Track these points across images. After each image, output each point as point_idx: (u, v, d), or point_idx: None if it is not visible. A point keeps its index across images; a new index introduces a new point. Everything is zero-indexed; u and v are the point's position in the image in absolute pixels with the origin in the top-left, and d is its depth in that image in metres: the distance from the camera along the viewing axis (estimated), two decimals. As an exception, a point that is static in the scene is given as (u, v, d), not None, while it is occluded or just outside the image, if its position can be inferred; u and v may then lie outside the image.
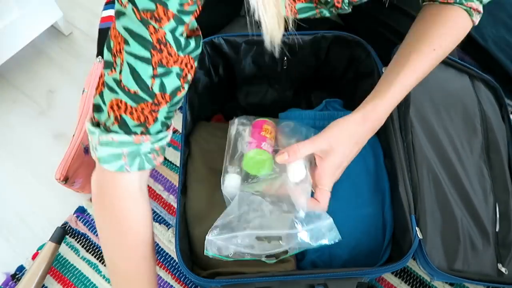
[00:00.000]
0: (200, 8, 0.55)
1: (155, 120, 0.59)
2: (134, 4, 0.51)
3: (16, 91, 1.12)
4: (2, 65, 1.08)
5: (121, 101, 0.56)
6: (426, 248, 0.70)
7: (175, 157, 1.02)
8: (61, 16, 1.13)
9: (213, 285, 0.69)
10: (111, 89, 0.56)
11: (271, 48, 0.59)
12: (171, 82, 0.57)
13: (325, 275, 0.68)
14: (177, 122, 1.06)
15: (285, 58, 0.90)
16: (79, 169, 0.86)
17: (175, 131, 1.05)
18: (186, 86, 0.60)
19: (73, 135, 0.87)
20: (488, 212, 0.82)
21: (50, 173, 0.84)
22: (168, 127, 0.62)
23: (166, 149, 0.64)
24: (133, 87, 0.55)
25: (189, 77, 0.60)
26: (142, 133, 0.58)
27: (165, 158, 1.02)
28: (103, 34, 1.02)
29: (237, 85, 0.95)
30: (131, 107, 0.57)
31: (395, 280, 0.89)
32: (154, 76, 0.55)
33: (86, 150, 0.87)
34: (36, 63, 1.16)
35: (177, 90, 0.58)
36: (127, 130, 0.58)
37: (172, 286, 0.89)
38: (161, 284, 0.89)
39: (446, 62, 0.89)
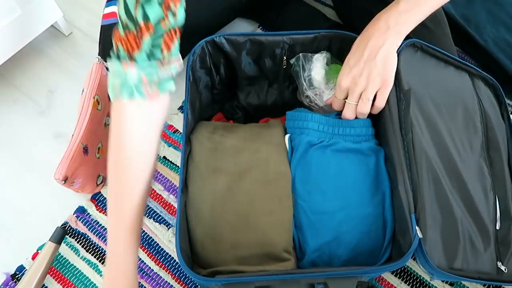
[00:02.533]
0: None
1: (140, 49, 0.65)
2: None
3: (16, 91, 1.12)
4: (2, 65, 1.08)
5: (117, 30, 0.65)
6: (426, 247, 0.70)
7: (175, 156, 1.02)
8: (61, 16, 1.13)
9: (213, 284, 0.69)
10: (118, 23, 0.66)
11: None
12: (153, 11, 0.63)
13: (325, 274, 0.68)
14: (178, 122, 1.06)
15: (285, 58, 0.90)
16: (78, 169, 0.86)
17: (175, 131, 1.05)
18: (170, 18, 0.64)
19: (72, 135, 0.87)
20: (489, 211, 0.82)
21: (50, 173, 0.84)
22: (158, 60, 0.66)
23: (162, 85, 0.68)
24: (124, 17, 0.64)
25: (173, 7, 0.64)
26: (129, 58, 0.65)
27: (164, 158, 1.02)
28: (106, 31, 1.02)
29: (238, 84, 0.95)
30: (121, 35, 0.65)
31: (395, 280, 0.89)
32: (136, 5, 0.62)
33: (86, 150, 0.87)
34: (36, 63, 1.16)
35: (160, 19, 0.63)
36: (118, 57, 0.66)
37: (172, 286, 0.89)
38: (161, 284, 0.89)
39: (446, 60, 0.89)
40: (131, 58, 0.65)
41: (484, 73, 0.95)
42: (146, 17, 0.63)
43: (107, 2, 1.04)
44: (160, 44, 0.65)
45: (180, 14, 0.65)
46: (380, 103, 0.78)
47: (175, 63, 0.69)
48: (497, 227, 0.82)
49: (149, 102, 0.68)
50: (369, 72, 0.76)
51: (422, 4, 0.77)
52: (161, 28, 0.64)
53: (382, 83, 0.77)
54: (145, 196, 0.72)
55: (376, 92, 0.78)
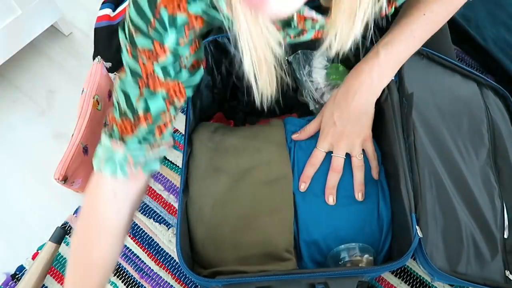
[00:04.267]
0: (197, 44, 0.64)
1: (134, 134, 0.64)
2: (131, 42, 0.59)
3: (16, 91, 1.12)
4: (2, 65, 1.08)
5: (113, 114, 0.65)
6: (426, 248, 0.70)
7: (175, 156, 1.02)
8: (61, 16, 1.13)
9: (214, 285, 0.69)
10: (114, 105, 0.65)
11: (262, 101, 0.64)
12: (156, 105, 0.63)
13: (326, 274, 0.68)
14: (179, 122, 1.06)
15: (286, 58, 0.90)
16: (78, 169, 0.86)
17: (175, 131, 1.05)
18: (172, 110, 0.65)
19: (72, 135, 0.87)
20: (496, 218, 0.81)
21: (50, 173, 0.84)
22: (148, 143, 0.66)
23: (147, 166, 0.67)
24: (123, 105, 0.63)
25: (177, 103, 0.65)
26: (120, 140, 0.64)
27: (165, 158, 1.02)
28: (99, 33, 1.03)
29: (239, 84, 0.95)
30: (116, 119, 0.64)
31: (395, 280, 0.89)
32: (139, 97, 0.62)
33: (85, 150, 0.87)
34: (36, 63, 1.16)
35: (161, 111, 0.64)
36: (111, 135, 0.65)
37: (172, 286, 0.89)
38: (161, 284, 0.89)
39: (452, 69, 0.89)
40: (123, 140, 0.64)
41: (494, 83, 0.95)
42: (147, 109, 0.62)
43: (102, 4, 1.05)
44: (154, 131, 0.65)
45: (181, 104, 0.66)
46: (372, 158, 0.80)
47: (165, 146, 0.68)
48: (505, 236, 0.82)
49: (130, 181, 0.67)
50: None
51: (400, 54, 0.76)
52: (160, 119, 0.64)
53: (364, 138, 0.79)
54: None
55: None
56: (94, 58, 1.03)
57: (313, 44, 0.88)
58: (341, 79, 0.86)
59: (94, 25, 1.05)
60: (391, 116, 0.79)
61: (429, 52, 0.85)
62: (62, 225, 0.95)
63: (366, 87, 0.76)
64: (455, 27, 1.04)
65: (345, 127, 0.77)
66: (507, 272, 0.79)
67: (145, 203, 0.97)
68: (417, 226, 0.70)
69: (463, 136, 0.84)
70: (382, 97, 0.80)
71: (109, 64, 1.01)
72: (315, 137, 0.82)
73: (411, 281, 0.89)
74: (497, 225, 0.81)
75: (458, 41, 0.99)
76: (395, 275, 0.90)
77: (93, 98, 0.89)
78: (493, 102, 0.93)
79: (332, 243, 0.77)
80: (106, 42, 1.02)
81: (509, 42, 1.10)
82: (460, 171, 0.80)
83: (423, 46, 0.84)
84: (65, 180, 0.84)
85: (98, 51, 1.04)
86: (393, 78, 0.81)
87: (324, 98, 0.86)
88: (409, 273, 0.90)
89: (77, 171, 0.86)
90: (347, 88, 0.77)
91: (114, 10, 1.05)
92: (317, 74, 0.86)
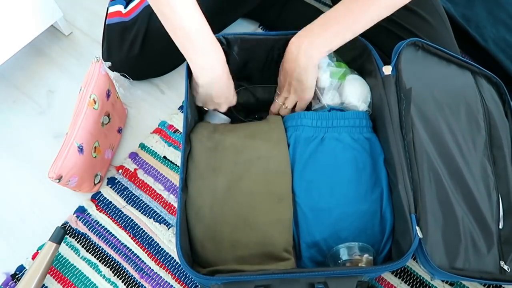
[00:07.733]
0: None
1: None
2: None
3: (16, 91, 1.12)
4: (2, 65, 1.08)
5: None
6: (426, 247, 0.70)
7: (175, 156, 1.02)
8: (61, 16, 1.13)
9: (214, 283, 0.69)
10: None
11: None
12: None
13: (325, 274, 0.68)
14: (178, 122, 1.06)
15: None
16: (73, 168, 0.86)
17: (175, 131, 1.05)
18: None
19: (67, 133, 0.87)
20: (492, 210, 0.81)
21: (50, 173, 0.84)
22: None
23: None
24: None
25: None
26: None
27: (165, 158, 1.02)
28: (111, 30, 1.02)
29: (237, 84, 0.95)
30: None
31: (395, 280, 0.89)
32: None
33: (81, 149, 0.87)
34: (36, 63, 1.16)
35: None
36: None
37: (172, 286, 0.89)
38: (161, 284, 0.89)
39: (448, 59, 0.89)
40: None
41: (487, 71, 0.95)
42: None
43: (110, 1, 1.04)
44: None
45: None
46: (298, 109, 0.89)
47: None
48: (500, 226, 0.82)
49: None
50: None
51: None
52: None
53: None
54: None
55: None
56: (103, 55, 1.03)
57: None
58: (344, 78, 0.86)
59: (97, 26, 1.04)
60: (387, 113, 0.79)
61: (424, 43, 0.85)
62: (62, 225, 0.95)
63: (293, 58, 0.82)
64: (455, 27, 1.04)
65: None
66: (502, 263, 0.79)
67: (145, 203, 0.97)
68: (417, 227, 0.70)
69: (462, 127, 0.84)
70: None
71: (109, 64, 1.00)
72: (314, 136, 0.82)
73: (411, 281, 0.89)
74: (493, 217, 0.81)
75: (458, 41, 0.99)
76: (395, 275, 0.90)
77: (90, 97, 0.88)
78: (487, 91, 0.93)
79: (333, 244, 0.77)
80: (118, 40, 1.01)
81: (509, 42, 1.10)
82: (457, 166, 0.80)
83: (419, 36, 0.85)
84: (59, 178, 0.84)
85: (110, 48, 1.03)
86: (391, 73, 0.81)
87: (326, 97, 0.86)
88: (409, 273, 0.90)
89: (72, 170, 0.86)
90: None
91: (125, 7, 1.03)
92: (320, 73, 0.85)
